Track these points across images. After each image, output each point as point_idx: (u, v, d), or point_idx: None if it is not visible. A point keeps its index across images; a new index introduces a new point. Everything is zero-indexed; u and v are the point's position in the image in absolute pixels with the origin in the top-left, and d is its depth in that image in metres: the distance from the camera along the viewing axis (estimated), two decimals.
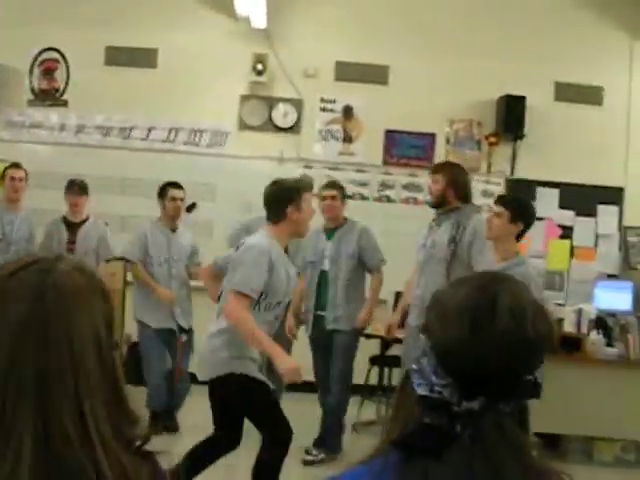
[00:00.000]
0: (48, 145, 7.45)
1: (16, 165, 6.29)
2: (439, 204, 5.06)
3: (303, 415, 6.07)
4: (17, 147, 7.38)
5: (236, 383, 3.79)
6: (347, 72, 7.54)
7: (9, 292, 1.00)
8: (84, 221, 6.30)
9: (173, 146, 7.42)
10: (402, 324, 5.37)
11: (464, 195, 5.07)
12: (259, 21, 7.38)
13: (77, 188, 6.20)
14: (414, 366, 1.14)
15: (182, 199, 6.08)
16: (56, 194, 6.70)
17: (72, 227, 6.29)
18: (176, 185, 6.09)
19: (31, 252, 6.05)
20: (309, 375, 5.68)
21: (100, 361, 1.02)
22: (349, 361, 5.57)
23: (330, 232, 5.64)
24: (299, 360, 5.75)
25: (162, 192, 6.07)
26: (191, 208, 6.90)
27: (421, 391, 1.11)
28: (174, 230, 6.08)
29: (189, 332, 6.01)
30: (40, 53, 7.46)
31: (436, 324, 1.15)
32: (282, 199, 3.93)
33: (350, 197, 6.60)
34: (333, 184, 5.83)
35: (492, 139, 7.66)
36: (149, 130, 7.41)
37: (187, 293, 6.07)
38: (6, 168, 6.27)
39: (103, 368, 1.02)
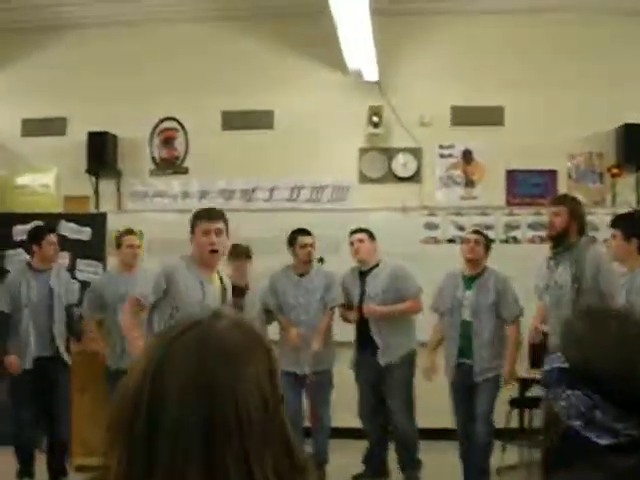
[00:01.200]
0: (172, 212, 7.66)
1: (131, 232, 6.46)
2: (560, 238, 5.16)
3: (441, 463, 6.15)
4: (141, 216, 7.63)
5: None
6: (463, 116, 7.69)
7: (173, 356, 1.08)
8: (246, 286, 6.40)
9: (296, 204, 7.61)
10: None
11: (582, 228, 5.22)
12: (371, 74, 7.57)
13: (243, 255, 6.35)
14: (578, 422, 1.18)
15: (312, 245, 6.24)
16: None
17: (236, 291, 6.37)
18: (305, 232, 6.31)
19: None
20: (448, 422, 5.78)
21: (266, 415, 1.07)
22: (492, 406, 5.74)
23: (470, 280, 5.75)
24: (437, 405, 5.99)
25: (292, 240, 6.27)
26: (319, 263, 7.01)
27: (605, 441, 1.16)
28: (302, 275, 6.21)
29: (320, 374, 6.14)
30: (159, 123, 7.72)
31: (610, 374, 1.18)
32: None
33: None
34: (477, 231, 6.00)
35: (614, 170, 7.72)
36: (271, 191, 7.59)
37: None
38: (121, 235, 6.41)
39: (270, 422, 1.07)
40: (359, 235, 6.29)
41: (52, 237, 6.13)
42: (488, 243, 5.93)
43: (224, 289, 4.77)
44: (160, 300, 4.59)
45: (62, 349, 6.16)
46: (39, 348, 6.05)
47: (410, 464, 6.16)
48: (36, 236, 6.16)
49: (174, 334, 1.11)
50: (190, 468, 1.02)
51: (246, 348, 1.11)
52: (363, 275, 6.25)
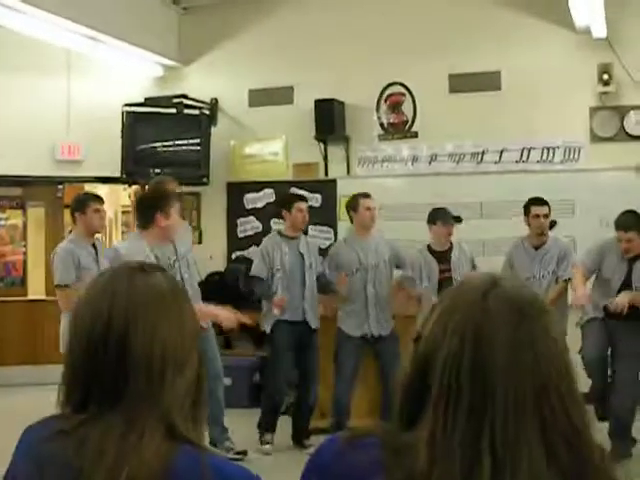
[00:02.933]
0: (401, 177, 8.02)
1: (368, 195, 6.71)
2: None
3: None
4: (371, 181, 8.03)
5: None
6: None
7: (491, 319, 1.13)
8: (450, 248, 6.66)
9: (526, 166, 7.89)
10: None
11: None
12: (599, 30, 7.71)
13: (449, 218, 6.59)
14: None
15: (546, 215, 6.44)
16: (411, 224, 7.21)
17: (440, 255, 6.64)
18: (540, 201, 6.50)
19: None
20: None
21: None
22: None
23: None
24: None
25: (526, 209, 6.55)
26: (551, 226, 7.22)
27: None
28: (537, 248, 6.41)
29: None
30: (385, 88, 8.07)
31: None
32: (151, 206, 4.85)
33: None
34: None
35: None
36: (501, 152, 7.85)
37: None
38: (357, 197, 6.65)
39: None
40: (628, 234, 5.93)
41: (301, 204, 6.52)
42: None
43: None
44: None
45: (311, 314, 6.58)
46: (289, 312, 6.46)
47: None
48: (286, 203, 6.58)
49: (476, 295, 1.16)
50: (525, 436, 1.09)
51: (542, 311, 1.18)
52: (631, 261, 6.07)
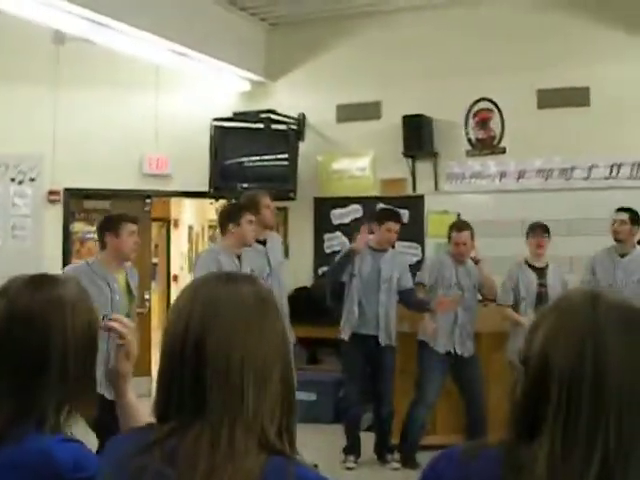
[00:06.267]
0: (488, 193, 8.70)
1: (460, 228, 7.27)
2: None
3: None
4: (458, 198, 8.71)
5: None
6: None
7: (603, 325, 1.27)
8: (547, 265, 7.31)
9: (616, 182, 8.50)
10: None
11: None
12: None
13: (540, 230, 7.23)
14: None
15: (623, 222, 7.32)
16: (499, 241, 7.85)
17: (537, 271, 7.27)
18: (621, 210, 7.41)
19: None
20: None
21: None
22: None
23: None
24: None
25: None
26: None
27: None
28: (623, 256, 7.32)
29: None
30: (473, 104, 8.76)
31: None
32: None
33: None
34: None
35: None
36: (589, 169, 8.46)
37: None
38: (451, 228, 7.31)
39: None
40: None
41: (390, 225, 7.22)
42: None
43: None
44: None
45: (382, 329, 7.25)
46: (363, 325, 7.14)
47: None
48: (379, 218, 7.32)
49: (586, 310, 1.29)
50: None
51: None
52: None
